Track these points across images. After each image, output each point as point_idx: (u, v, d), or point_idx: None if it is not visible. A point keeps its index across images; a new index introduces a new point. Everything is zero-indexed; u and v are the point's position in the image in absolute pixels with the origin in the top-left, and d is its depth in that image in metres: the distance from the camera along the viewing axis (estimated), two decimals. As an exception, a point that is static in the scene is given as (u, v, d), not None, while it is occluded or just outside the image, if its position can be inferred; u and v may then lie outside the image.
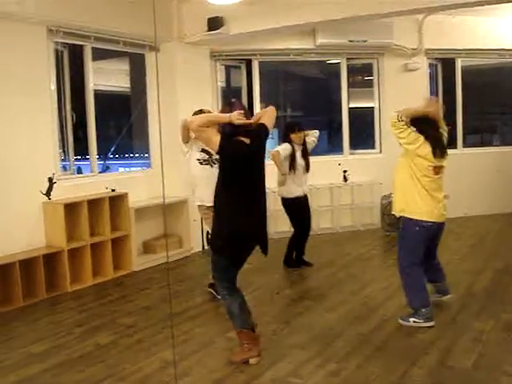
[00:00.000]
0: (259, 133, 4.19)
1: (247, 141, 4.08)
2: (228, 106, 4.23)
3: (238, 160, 4.09)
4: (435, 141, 4.72)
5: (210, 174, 5.30)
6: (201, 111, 5.36)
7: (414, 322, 4.78)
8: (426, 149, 4.67)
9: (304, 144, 6.63)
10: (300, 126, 6.68)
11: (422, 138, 4.69)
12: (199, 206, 5.74)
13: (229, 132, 4.05)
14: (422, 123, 4.78)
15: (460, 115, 9.77)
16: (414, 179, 4.75)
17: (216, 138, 4.01)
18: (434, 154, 4.68)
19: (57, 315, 5.47)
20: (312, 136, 6.83)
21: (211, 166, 5.54)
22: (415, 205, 4.76)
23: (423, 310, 4.78)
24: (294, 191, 6.57)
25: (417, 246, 4.83)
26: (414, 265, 4.84)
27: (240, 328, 4.18)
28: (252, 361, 4.14)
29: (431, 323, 4.75)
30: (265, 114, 4.31)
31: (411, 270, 4.85)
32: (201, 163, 5.63)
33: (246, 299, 4.25)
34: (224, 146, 4.02)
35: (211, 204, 5.08)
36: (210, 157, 5.57)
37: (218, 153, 4.10)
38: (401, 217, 4.90)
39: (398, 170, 4.94)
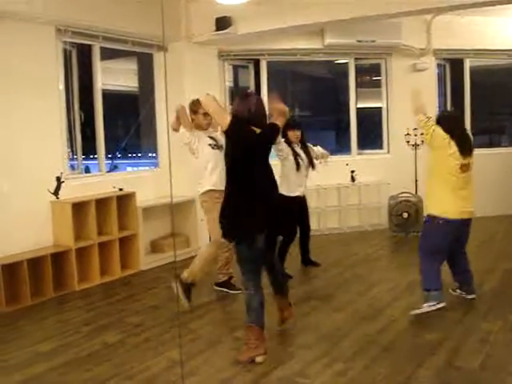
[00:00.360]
0: (271, 130, 4.34)
1: (258, 130, 4.17)
2: (243, 99, 4.27)
3: (246, 147, 4.17)
4: (461, 139, 4.88)
5: (219, 159, 5.43)
6: (198, 100, 5.34)
7: (428, 306, 4.92)
8: (453, 148, 4.82)
9: (302, 142, 6.53)
10: (297, 124, 6.58)
11: (448, 137, 4.84)
12: (210, 191, 5.60)
13: (241, 118, 4.14)
14: (448, 123, 4.96)
15: (468, 116, 9.73)
16: (439, 177, 4.95)
17: (228, 118, 4.12)
18: (461, 152, 4.83)
19: (64, 314, 5.49)
20: (321, 152, 6.74)
21: (220, 151, 5.55)
22: (438, 201, 4.98)
23: (433, 292, 4.94)
24: (294, 190, 6.45)
25: (440, 240, 5.01)
26: (435, 254, 5.03)
27: (253, 323, 4.17)
28: (258, 359, 4.13)
29: (442, 304, 4.92)
30: (280, 114, 4.42)
31: (432, 258, 5.03)
32: (212, 148, 5.66)
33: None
34: (233, 130, 4.11)
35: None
36: (217, 143, 5.66)
37: (225, 132, 4.16)
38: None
39: (428, 172, 5.14)
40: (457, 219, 4.96)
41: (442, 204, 4.96)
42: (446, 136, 4.83)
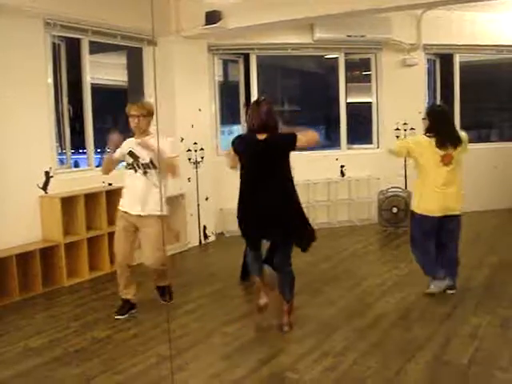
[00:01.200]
0: (285, 138, 4.46)
1: (262, 137, 4.40)
2: (257, 105, 4.51)
3: (245, 153, 4.49)
4: (445, 132, 5.09)
5: (135, 180, 5.01)
6: (134, 104, 5.17)
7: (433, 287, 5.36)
8: (434, 145, 5.06)
9: None
10: None
11: (424, 140, 5.14)
12: (119, 210, 5.16)
13: (249, 129, 4.53)
14: (433, 117, 5.21)
15: (458, 111, 9.75)
16: (422, 172, 5.22)
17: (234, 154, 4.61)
18: (441, 143, 5.04)
19: (53, 309, 5.46)
20: None
21: (135, 171, 5.00)
22: (418, 197, 5.28)
23: (436, 279, 5.31)
24: None
25: (422, 233, 5.29)
26: (422, 246, 5.36)
27: (252, 274, 4.95)
28: (259, 301, 4.77)
29: (432, 290, 5.32)
30: (306, 135, 4.56)
31: (420, 247, 5.38)
32: (126, 167, 5.10)
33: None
34: (236, 142, 4.59)
35: (136, 213, 4.99)
36: (136, 160, 4.99)
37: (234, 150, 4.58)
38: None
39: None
40: (435, 216, 5.18)
41: (421, 200, 5.22)
42: (421, 140, 5.18)
